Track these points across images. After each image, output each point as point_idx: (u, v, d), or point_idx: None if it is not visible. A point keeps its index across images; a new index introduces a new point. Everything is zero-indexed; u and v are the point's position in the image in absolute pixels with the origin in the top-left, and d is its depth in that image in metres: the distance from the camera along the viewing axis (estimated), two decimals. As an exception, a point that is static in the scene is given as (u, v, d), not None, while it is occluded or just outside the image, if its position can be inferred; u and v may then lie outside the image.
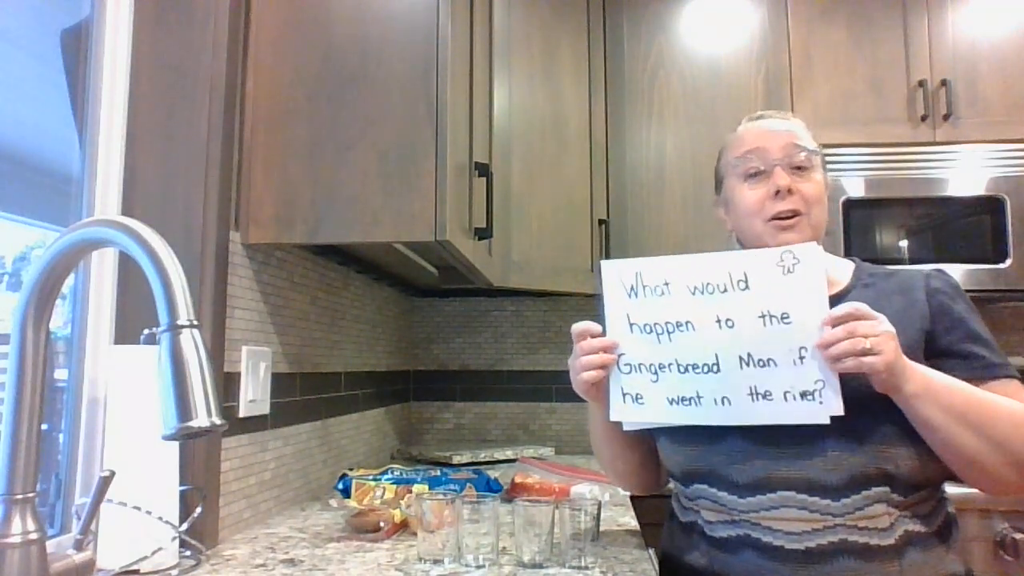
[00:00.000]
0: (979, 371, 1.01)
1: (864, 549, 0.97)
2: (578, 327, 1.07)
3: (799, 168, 1.10)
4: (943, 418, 0.94)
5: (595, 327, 1.06)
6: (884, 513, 0.98)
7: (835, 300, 1.03)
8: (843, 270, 1.16)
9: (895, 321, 0.97)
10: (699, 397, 0.99)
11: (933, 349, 1.04)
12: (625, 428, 1.08)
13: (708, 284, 0.98)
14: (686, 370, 0.99)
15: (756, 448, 1.02)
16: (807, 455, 0.99)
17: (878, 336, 0.90)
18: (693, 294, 0.99)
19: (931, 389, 0.94)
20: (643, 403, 1.03)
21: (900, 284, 1.10)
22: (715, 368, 0.98)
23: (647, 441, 1.18)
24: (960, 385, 0.97)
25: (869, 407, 0.97)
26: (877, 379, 0.93)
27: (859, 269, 1.16)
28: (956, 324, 1.05)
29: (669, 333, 1.00)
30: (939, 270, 1.13)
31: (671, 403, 1.01)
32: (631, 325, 1.03)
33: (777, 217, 1.09)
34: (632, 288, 1.03)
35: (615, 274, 1.04)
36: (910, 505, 1.00)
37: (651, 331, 1.01)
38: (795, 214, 1.08)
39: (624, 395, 1.04)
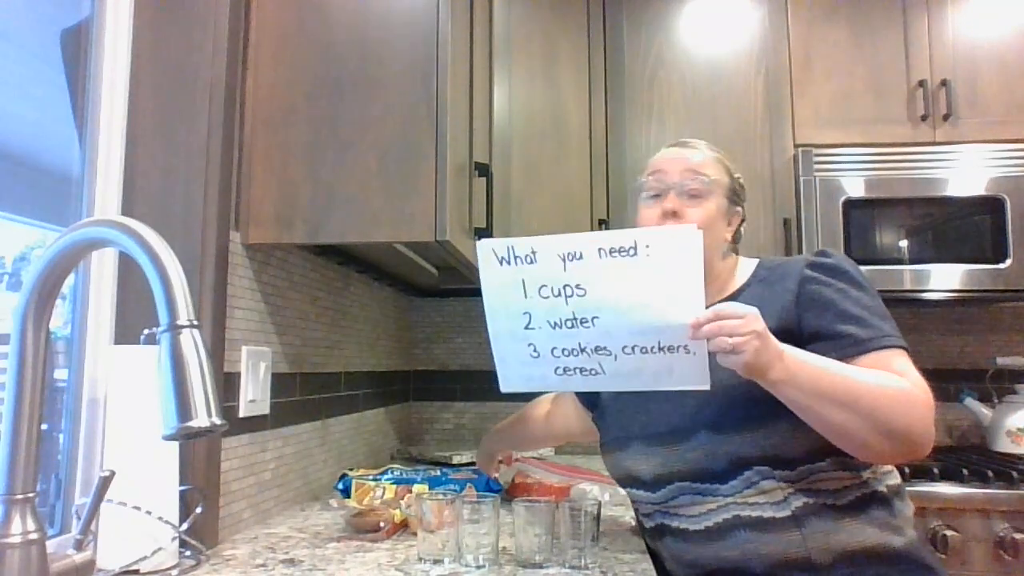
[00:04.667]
0: (848, 349, 1.04)
1: (758, 522, 1.05)
2: None
3: (693, 195, 1.18)
4: (808, 399, 0.98)
5: None
6: (776, 488, 1.05)
7: (729, 299, 1.12)
8: (742, 273, 1.22)
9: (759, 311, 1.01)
10: (580, 348, 1.01)
11: (804, 336, 1.08)
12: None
13: (613, 249, 1.00)
14: (573, 326, 1.01)
15: (651, 449, 1.15)
16: (688, 449, 1.10)
17: (743, 337, 0.93)
18: (600, 256, 1.00)
19: (793, 374, 0.97)
20: (536, 358, 1.05)
21: (782, 274, 1.15)
22: (594, 322, 1.00)
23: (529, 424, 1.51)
24: (826, 365, 0.99)
25: (728, 399, 1.05)
26: (738, 371, 0.96)
27: (759, 267, 1.22)
28: (825, 307, 1.08)
29: (567, 297, 1.01)
30: (821, 252, 1.16)
31: (555, 356, 1.03)
32: (525, 291, 1.03)
33: None
34: (528, 257, 1.04)
35: (520, 247, 1.04)
36: (804, 480, 1.05)
37: (558, 294, 1.02)
38: None
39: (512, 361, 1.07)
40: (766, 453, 1.05)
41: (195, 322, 0.72)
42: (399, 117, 1.27)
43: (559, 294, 1.01)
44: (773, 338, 0.96)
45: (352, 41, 1.30)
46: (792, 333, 1.07)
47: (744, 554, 1.06)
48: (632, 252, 0.97)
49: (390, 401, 2.28)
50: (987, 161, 2.18)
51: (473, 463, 2.07)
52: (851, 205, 2.20)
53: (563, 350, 1.02)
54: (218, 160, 1.20)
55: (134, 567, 1.00)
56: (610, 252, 0.99)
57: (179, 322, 0.71)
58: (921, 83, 2.26)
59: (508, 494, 1.48)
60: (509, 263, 1.03)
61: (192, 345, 0.71)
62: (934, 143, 2.23)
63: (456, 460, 2.08)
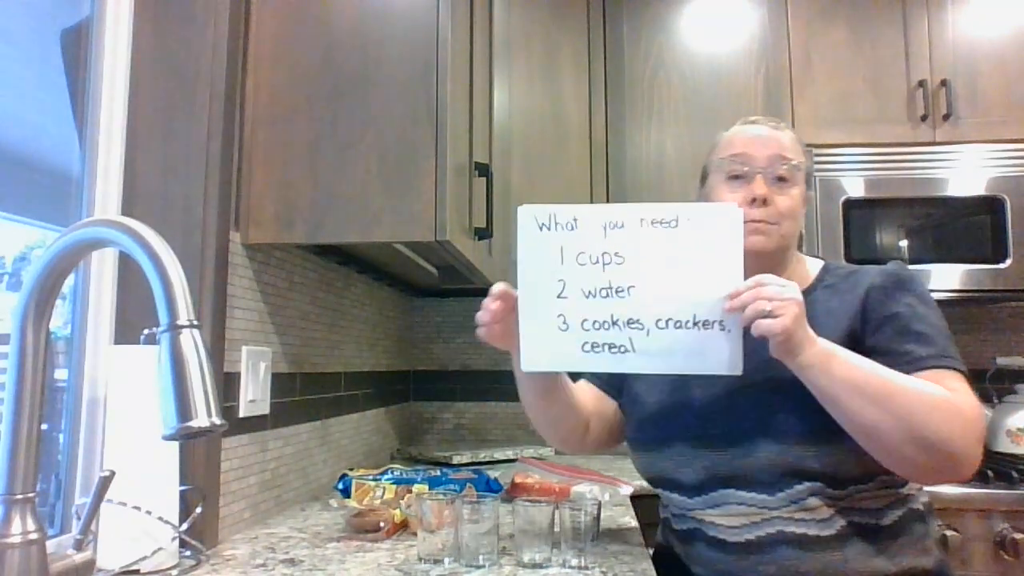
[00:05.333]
0: (904, 367, 1.00)
1: (802, 539, 1.02)
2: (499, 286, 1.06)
3: (780, 179, 1.13)
4: (838, 389, 0.94)
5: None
6: (821, 505, 1.02)
7: None
8: (810, 270, 1.18)
9: (824, 319, 1.00)
10: (612, 321, 0.99)
11: (865, 348, 1.04)
12: (525, 369, 1.05)
13: (655, 220, 0.99)
14: (608, 295, 0.99)
15: (696, 451, 1.09)
16: (740, 455, 1.05)
17: (782, 301, 0.91)
18: (641, 225, 0.99)
19: (827, 361, 0.94)
20: (565, 331, 1.01)
21: (854, 283, 1.11)
22: (630, 292, 0.99)
23: (577, 406, 1.20)
24: (861, 360, 0.96)
25: (793, 408, 1.00)
26: (773, 344, 0.94)
27: (825, 270, 1.18)
28: (886, 321, 1.05)
29: (604, 264, 1.00)
30: (895, 263, 1.13)
31: (585, 330, 1.00)
32: (562, 257, 1.01)
33: (750, 221, 1.09)
34: (569, 224, 1.02)
35: (562, 214, 1.02)
36: (850, 498, 1.03)
37: (596, 261, 1.00)
38: (766, 223, 1.11)
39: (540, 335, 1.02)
40: (824, 469, 1.01)
41: (195, 322, 0.72)
42: (399, 117, 1.27)
43: (596, 261, 0.99)
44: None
45: (352, 41, 1.30)
46: (856, 344, 1.04)
47: (781, 571, 1.02)
48: (674, 224, 0.97)
49: (390, 401, 2.28)
50: (987, 161, 2.18)
51: (473, 463, 2.08)
52: (851, 205, 2.20)
53: (594, 322, 0.99)
54: (218, 160, 1.20)
55: (134, 567, 1.00)
56: (652, 223, 0.98)
57: (179, 322, 0.71)
58: (921, 83, 2.26)
59: (508, 494, 1.48)
60: (549, 229, 1.01)
61: (192, 345, 0.71)
62: (934, 143, 2.23)
63: (456, 460, 2.08)
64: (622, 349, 0.99)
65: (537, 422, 1.23)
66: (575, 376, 1.25)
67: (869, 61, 2.31)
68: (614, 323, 0.99)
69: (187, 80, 1.21)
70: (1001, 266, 2.14)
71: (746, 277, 0.98)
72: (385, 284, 2.17)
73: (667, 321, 0.97)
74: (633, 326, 0.98)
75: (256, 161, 1.29)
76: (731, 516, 1.06)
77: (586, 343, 1.00)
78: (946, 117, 2.24)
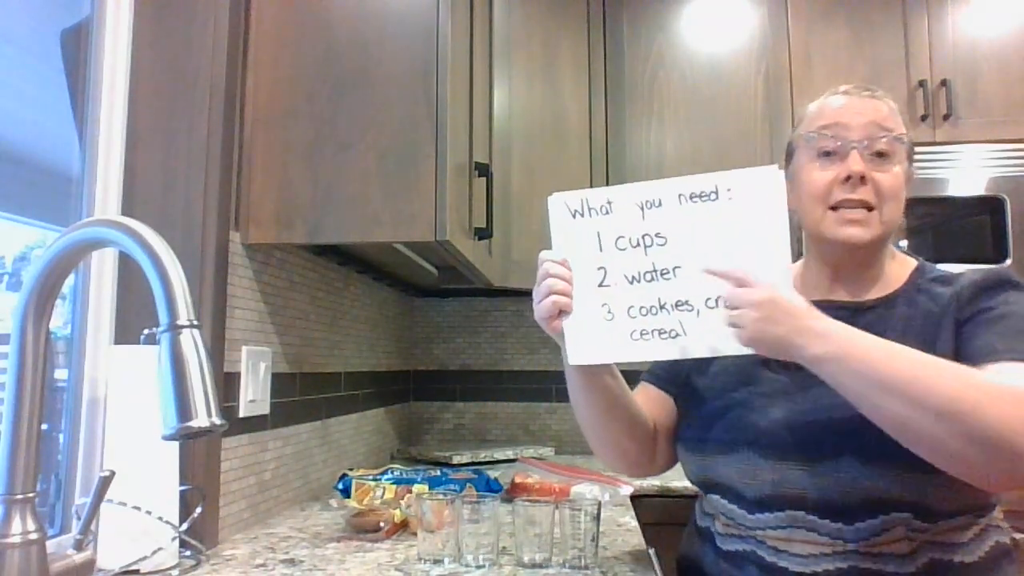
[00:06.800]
0: (979, 359, 0.87)
1: None
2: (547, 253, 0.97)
3: (879, 154, 0.99)
4: (860, 385, 0.82)
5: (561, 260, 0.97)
6: (904, 538, 0.89)
7: (878, 304, 0.95)
8: (904, 270, 1.06)
9: (923, 323, 0.94)
10: (660, 305, 0.94)
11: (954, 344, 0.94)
12: (572, 362, 0.98)
13: (694, 195, 0.94)
14: (653, 279, 0.94)
15: (766, 463, 0.95)
16: (821, 473, 0.91)
17: (737, 311, 0.85)
18: (680, 202, 0.94)
19: (842, 353, 0.82)
20: (611, 321, 0.96)
21: (958, 288, 0.98)
22: (675, 272, 0.94)
23: (641, 418, 1.08)
24: (892, 349, 0.83)
25: None
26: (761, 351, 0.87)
27: (919, 271, 1.05)
28: (975, 315, 0.94)
29: (646, 247, 0.95)
30: (994, 268, 1.01)
31: (632, 318, 0.95)
32: (600, 243, 0.97)
33: (843, 205, 0.99)
34: (603, 208, 0.97)
35: (595, 198, 0.98)
36: (939, 531, 0.90)
37: (637, 244, 0.96)
38: (864, 206, 0.98)
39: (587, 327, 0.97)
40: (916, 499, 0.88)
41: (195, 322, 0.72)
42: (399, 117, 1.27)
43: (637, 244, 0.94)
44: (820, 315, 0.84)
45: (352, 41, 1.30)
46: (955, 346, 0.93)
47: None
48: (713, 196, 0.92)
49: (390, 401, 2.28)
50: (987, 161, 2.18)
51: (473, 463, 2.08)
52: (851, 205, 2.20)
53: (641, 308, 0.94)
54: (218, 160, 1.20)
55: (134, 567, 1.00)
56: (690, 198, 0.93)
57: (179, 322, 0.71)
58: (921, 83, 2.26)
59: (508, 494, 1.48)
60: (583, 215, 0.97)
61: (192, 345, 0.71)
62: (934, 143, 2.23)
63: (456, 460, 2.08)
64: (672, 333, 0.93)
65: (601, 444, 1.09)
66: (631, 384, 1.12)
67: (869, 61, 2.30)
68: (662, 307, 0.93)
69: (187, 80, 1.21)
70: (1001, 266, 2.14)
71: (837, 274, 0.95)
72: (385, 284, 2.17)
73: (716, 300, 0.91)
74: (682, 308, 0.93)
75: (256, 161, 1.29)
76: (796, 542, 0.93)
77: (634, 331, 0.95)
78: (946, 117, 2.24)
